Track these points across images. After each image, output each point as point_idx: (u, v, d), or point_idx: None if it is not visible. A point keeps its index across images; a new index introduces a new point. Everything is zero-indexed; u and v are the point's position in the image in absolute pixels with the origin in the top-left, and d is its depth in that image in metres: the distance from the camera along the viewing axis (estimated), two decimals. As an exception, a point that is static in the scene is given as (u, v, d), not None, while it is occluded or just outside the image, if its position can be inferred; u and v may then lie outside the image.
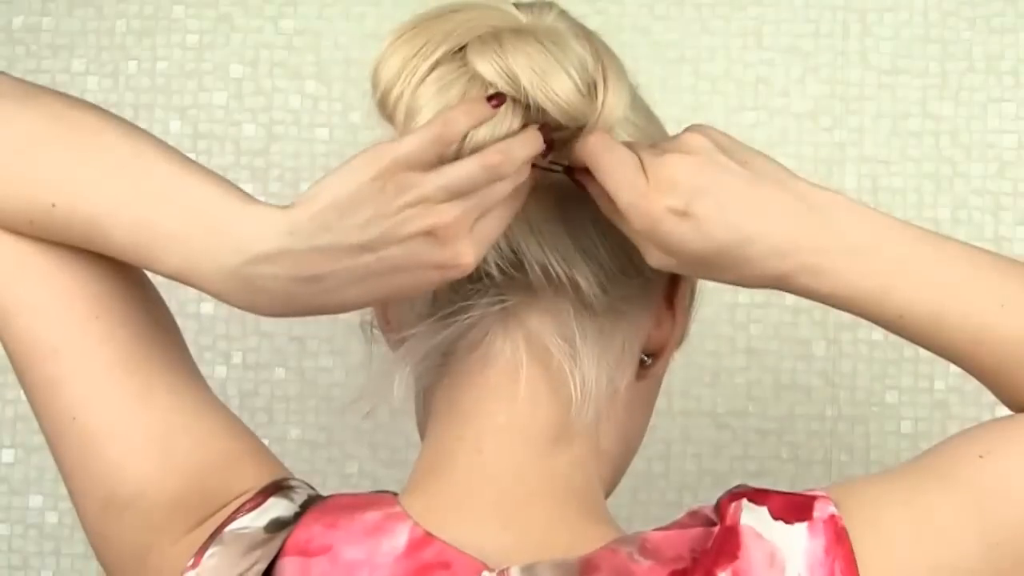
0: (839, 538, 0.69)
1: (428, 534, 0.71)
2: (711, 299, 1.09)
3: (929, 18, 1.20)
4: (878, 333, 1.16)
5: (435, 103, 0.70)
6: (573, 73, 0.71)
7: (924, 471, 0.73)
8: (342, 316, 1.19)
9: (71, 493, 0.76)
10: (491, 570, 0.70)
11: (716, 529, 0.70)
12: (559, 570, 0.70)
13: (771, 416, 1.19)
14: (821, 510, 0.70)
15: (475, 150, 0.70)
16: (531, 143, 0.71)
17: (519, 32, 0.72)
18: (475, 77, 0.71)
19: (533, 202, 0.73)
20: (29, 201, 0.72)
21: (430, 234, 0.68)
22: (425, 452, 0.77)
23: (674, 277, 0.79)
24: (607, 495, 0.79)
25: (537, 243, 0.74)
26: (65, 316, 0.74)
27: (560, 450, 0.75)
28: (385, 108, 0.72)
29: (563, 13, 0.75)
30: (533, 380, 0.75)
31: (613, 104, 0.72)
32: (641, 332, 0.78)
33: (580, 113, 0.72)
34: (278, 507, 0.73)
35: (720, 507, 0.72)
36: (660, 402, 0.84)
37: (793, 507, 0.71)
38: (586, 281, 0.74)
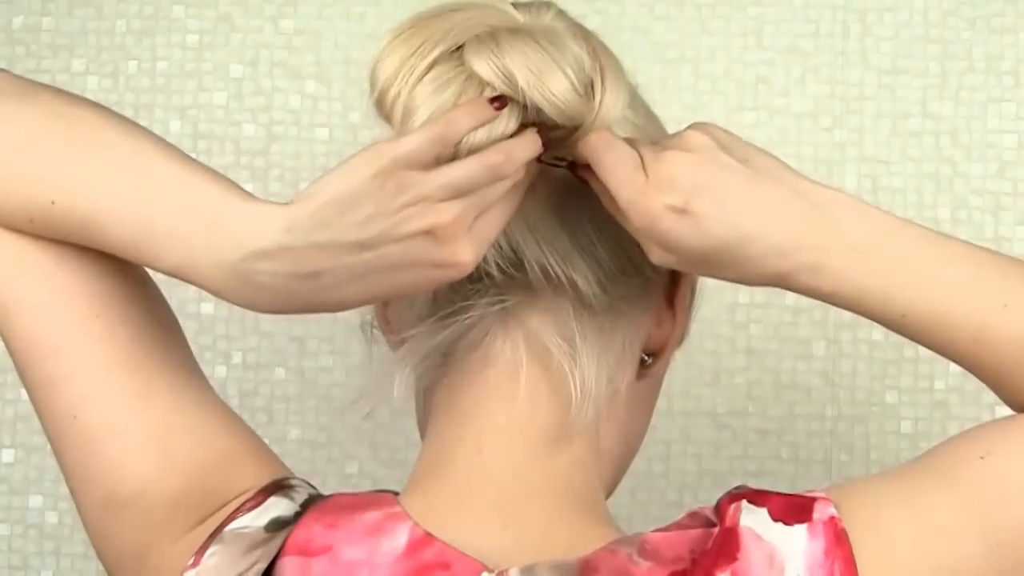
0: (839, 540, 0.69)
1: (428, 534, 0.71)
2: (711, 299, 1.09)
3: (929, 18, 1.20)
4: (878, 333, 1.16)
5: (431, 102, 0.70)
6: (570, 73, 0.71)
7: (924, 472, 0.73)
8: (342, 316, 1.19)
9: (72, 491, 0.77)
10: (491, 571, 0.70)
11: (716, 530, 0.70)
12: (558, 571, 0.69)
13: (771, 416, 1.19)
14: (821, 511, 0.70)
15: (472, 150, 0.70)
16: (531, 145, 0.71)
17: (516, 32, 0.72)
18: (472, 76, 0.71)
19: (532, 201, 0.73)
20: (29, 199, 0.72)
21: (429, 233, 0.68)
22: (425, 452, 0.77)
23: (674, 276, 0.79)
24: (608, 495, 0.79)
25: (536, 242, 0.74)
26: (65, 315, 0.74)
27: (560, 450, 0.75)
28: (383, 107, 0.72)
29: (561, 13, 0.75)
30: (533, 380, 0.75)
31: (610, 104, 0.72)
32: (641, 331, 0.78)
33: (577, 113, 0.72)
34: (278, 506, 0.73)
35: (720, 508, 0.72)
36: (660, 402, 0.84)
37: (793, 508, 0.70)
38: (585, 280, 0.74)
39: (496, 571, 0.70)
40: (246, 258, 0.68)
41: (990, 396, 0.75)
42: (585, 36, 0.74)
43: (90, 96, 1.19)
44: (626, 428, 0.80)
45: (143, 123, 0.76)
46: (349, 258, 0.68)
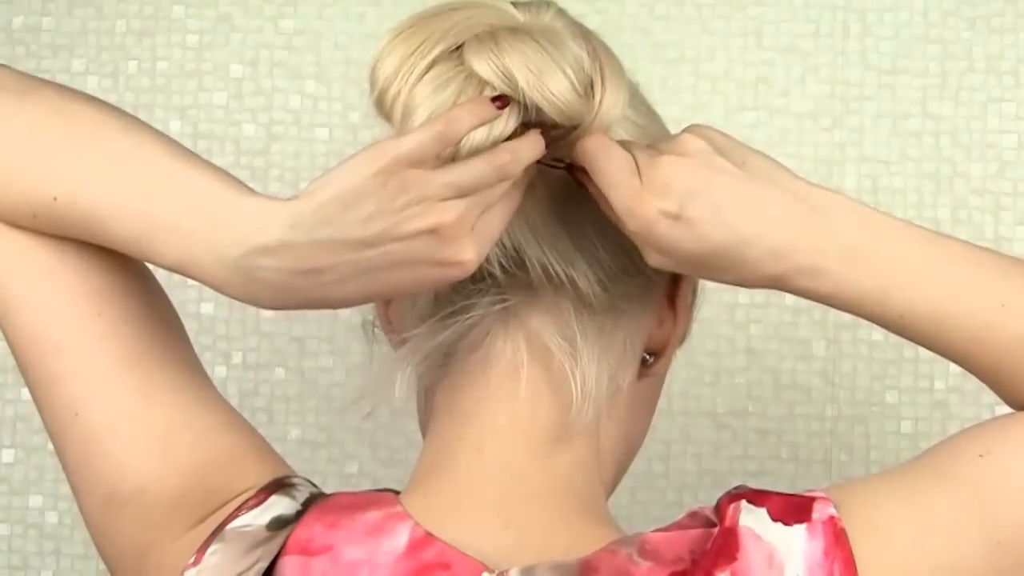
0: (838, 539, 0.69)
1: (428, 534, 0.71)
2: (711, 299, 1.09)
3: (929, 18, 1.20)
4: (878, 333, 1.16)
5: (431, 102, 0.70)
6: (569, 72, 0.71)
7: (924, 471, 0.73)
8: (342, 316, 1.20)
9: (73, 489, 0.77)
10: (491, 571, 0.70)
11: (716, 530, 0.70)
12: (558, 572, 0.69)
13: (771, 416, 1.19)
14: (820, 511, 0.70)
15: (471, 150, 0.70)
16: (535, 146, 0.71)
17: (516, 31, 0.72)
18: (471, 76, 0.71)
19: (533, 201, 0.73)
20: (31, 195, 0.72)
21: (433, 232, 0.68)
22: (426, 452, 0.77)
23: (676, 276, 0.79)
24: (608, 494, 0.79)
25: (537, 242, 0.74)
26: (67, 312, 0.74)
27: (560, 450, 0.75)
28: (382, 106, 0.72)
29: (561, 12, 0.75)
30: (534, 380, 0.75)
31: (610, 103, 0.72)
32: (643, 331, 0.78)
33: (576, 112, 0.72)
34: (280, 505, 0.73)
35: (719, 508, 0.72)
36: (660, 402, 0.84)
37: (792, 508, 0.70)
38: (585, 280, 0.74)
39: (496, 571, 0.70)
40: (248, 254, 0.68)
41: (990, 396, 0.75)
42: (585, 35, 0.74)
43: (90, 96, 1.18)
44: (627, 428, 0.80)
45: (143, 123, 0.76)
46: (351, 255, 0.68)
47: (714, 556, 0.69)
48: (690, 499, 1.19)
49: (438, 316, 0.75)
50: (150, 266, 0.76)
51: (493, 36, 0.71)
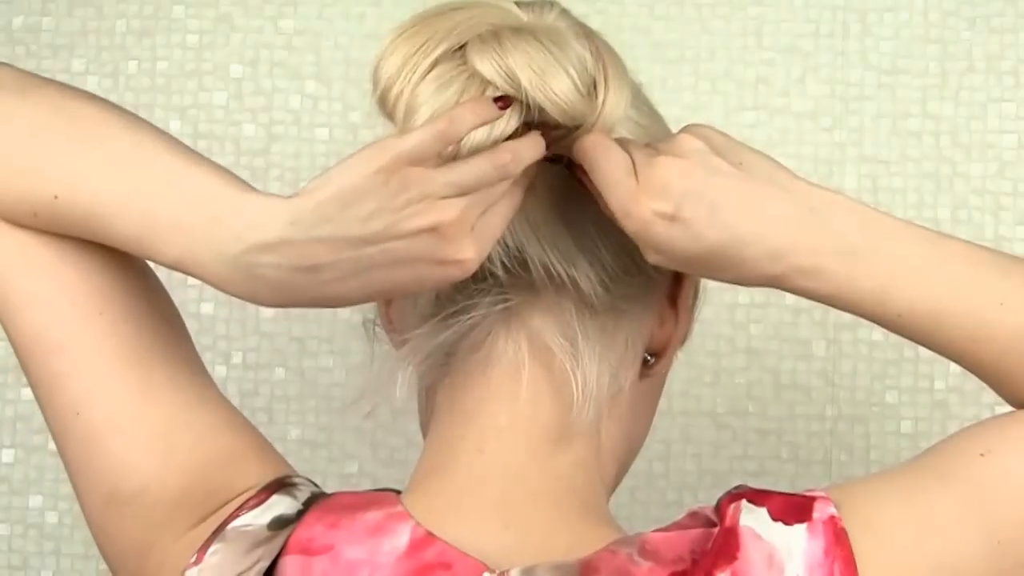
0: (838, 539, 0.69)
1: (429, 534, 0.71)
2: (711, 299, 1.09)
3: (929, 18, 1.20)
4: (878, 333, 1.16)
5: (434, 101, 0.70)
6: (572, 72, 0.71)
7: (924, 470, 0.73)
8: (342, 316, 1.20)
9: (75, 488, 0.77)
10: (492, 571, 0.70)
11: (716, 530, 0.70)
12: (559, 572, 0.69)
13: (771, 416, 1.19)
14: (820, 511, 0.70)
15: (472, 149, 0.70)
16: (536, 146, 0.71)
17: (519, 31, 0.72)
18: (474, 76, 0.71)
19: (535, 201, 0.73)
20: (32, 193, 0.72)
21: (433, 230, 0.68)
22: (427, 451, 0.77)
23: (677, 276, 0.79)
24: (610, 494, 0.79)
25: (539, 242, 0.74)
26: (69, 311, 0.74)
27: (561, 450, 0.75)
28: (385, 106, 0.72)
29: (564, 12, 0.75)
30: (535, 380, 0.75)
31: (613, 104, 0.72)
32: (644, 331, 0.78)
33: (579, 113, 0.72)
34: (281, 504, 0.74)
35: (720, 508, 0.72)
36: (660, 402, 0.84)
37: (792, 508, 0.70)
38: (587, 280, 0.74)
39: (497, 571, 0.70)
40: (248, 251, 0.68)
41: (990, 396, 0.75)
42: (588, 35, 0.74)
43: (90, 96, 1.18)
44: (628, 428, 0.80)
45: (143, 122, 0.76)
46: (351, 252, 0.68)
47: (714, 556, 0.69)
48: (690, 499, 1.19)
49: (440, 316, 0.75)
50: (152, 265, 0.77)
51: (496, 36, 0.71)
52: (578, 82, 0.71)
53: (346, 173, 0.68)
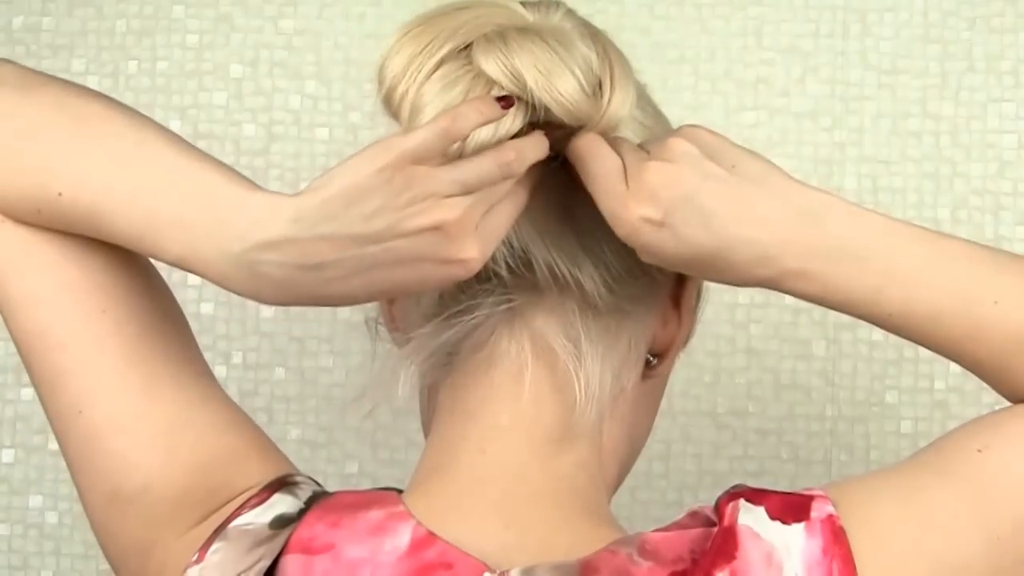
0: (837, 538, 0.69)
1: (431, 534, 0.71)
2: (711, 299, 1.09)
3: (929, 18, 1.20)
4: (878, 333, 1.16)
5: (439, 101, 0.70)
6: (578, 73, 0.71)
7: (922, 468, 0.73)
8: (343, 315, 1.20)
9: (77, 486, 0.77)
10: (492, 571, 0.70)
11: (715, 530, 0.70)
12: (559, 572, 0.69)
13: (771, 416, 1.19)
14: (819, 510, 0.70)
15: (477, 148, 0.70)
16: (540, 146, 0.71)
17: (525, 31, 0.72)
18: (480, 75, 0.71)
19: (539, 202, 0.73)
20: (35, 190, 0.72)
21: (437, 229, 0.68)
22: (429, 451, 0.77)
23: (681, 277, 0.79)
24: (611, 495, 0.79)
25: (543, 242, 0.74)
26: (72, 309, 0.74)
27: (563, 451, 0.75)
28: (390, 105, 0.72)
29: (570, 12, 0.75)
30: (538, 381, 0.75)
31: (618, 104, 0.72)
32: (647, 332, 0.78)
33: (584, 113, 0.72)
34: (283, 503, 0.74)
35: (718, 507, 0.72)
36: (661, 402, 0.84)
37: (791, 507, 0.70)
38: (591, 281, 0.74)
39: (498, 571, 0.70)
40: (251, 248, 0.68)
41: (990, 396, 0.75)
42: (594, 36, 0.74)
43: (91, 96, 1.18)
44: (631, 429, 0.80)
45: (145, 121, 0.75)
46: (355, 251, 0.68)
47: (713, 555, 0.69)
48: (690, 499, 1.19)
49: (443, 315, 0.75)
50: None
51: (502, 36, 0.71)
52: (583, 82, 0.71)
53: (350, 171, 0.68)
